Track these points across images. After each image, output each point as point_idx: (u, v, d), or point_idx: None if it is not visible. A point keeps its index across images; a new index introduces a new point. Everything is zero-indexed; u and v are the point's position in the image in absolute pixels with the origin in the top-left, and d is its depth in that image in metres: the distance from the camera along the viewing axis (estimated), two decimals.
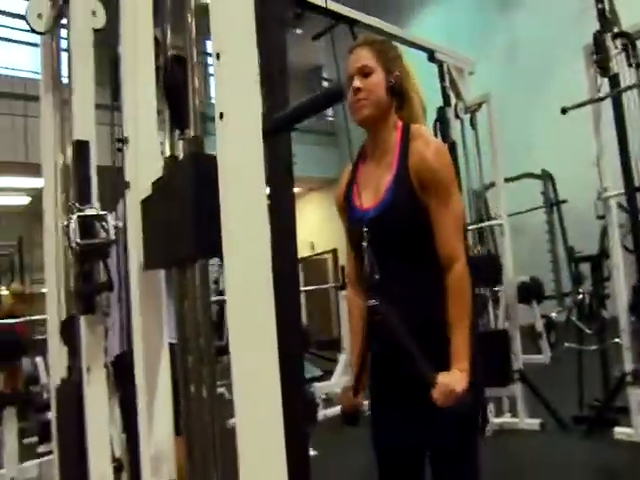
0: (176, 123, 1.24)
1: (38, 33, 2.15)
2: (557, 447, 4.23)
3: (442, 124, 4.98)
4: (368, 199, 1.74)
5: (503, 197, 5.20)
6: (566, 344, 5.27)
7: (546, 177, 10.01)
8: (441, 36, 9.12)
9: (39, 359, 6.66)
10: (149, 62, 1.30)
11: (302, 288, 10.92)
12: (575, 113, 4.37)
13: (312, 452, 4.41)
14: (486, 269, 5.01)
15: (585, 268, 5.01)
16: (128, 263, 1.33)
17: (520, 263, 6.23)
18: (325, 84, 16.05)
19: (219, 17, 0.92)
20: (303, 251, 14.81)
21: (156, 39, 1.33)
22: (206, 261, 1.16)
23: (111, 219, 1.60)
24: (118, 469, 2.04)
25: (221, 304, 6.48)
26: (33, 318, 6.02)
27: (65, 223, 1.63)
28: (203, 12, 0.96)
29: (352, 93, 1.74)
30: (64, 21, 2.08)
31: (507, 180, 6.70)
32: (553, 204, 10.01)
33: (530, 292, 7.46)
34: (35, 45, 2.84)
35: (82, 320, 1.70)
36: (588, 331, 4.83)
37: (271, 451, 0.87)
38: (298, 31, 7.37)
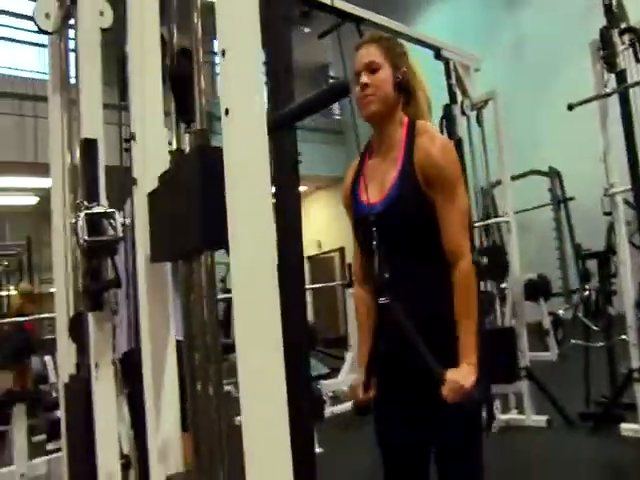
0: (182, 116, 1.25)
1: (46, 33, 2.16)
2: (564, 444, 4.22)
3: (448, 121, 4.98)
4: (374, 194, 1.74)
5: (510, 194, 5.19)
6: (572, 341, 5.26)
7: (553, 174, 9.98)
8: (447, 34, 9.11)
9: (48, 358, 6.70)
10: (156, 60, 1.31)
11: (309, 286, 10.96)
12: (582, 110, 4.36)
13: (318, 449, 4.43)
14: (491, 260, 5.02)
15: (592, 265, 4.99)
16: (136, 260, 1.35)
17: (528, 260, 6.23)
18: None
19: (225, 15, 0.93)
20: (310, 249, 14.87)
21: (163, 38, 1.35)
22: (212, 256, 1.17)
23: (119, 216, 1.61)
24: (126, 466, 2.06)
25: (228, 302, 6.50)
26: (42, 316, 6.06)
27: (73, 221, 1.65)
28: (210, 11, 0.97)
29: (360, 89, 1.75)
30: (72, 21, 2.09)
31: (514, 177, 6.69)
32: (560, 201, 9.98)
33: (537, 289, 7.46)
34: (43, 46, 2.85)
35: (90, 317, 1.72)
36: (595, 328, 4.82)
37: (277, 448, 0.88)
38: (306, 29, 7.37)
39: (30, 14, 2.13)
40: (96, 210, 1.61)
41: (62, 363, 2.23)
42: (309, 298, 13.28)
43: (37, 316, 6.10)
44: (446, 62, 5.02)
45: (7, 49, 11.67)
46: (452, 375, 1.58)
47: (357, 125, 1.79)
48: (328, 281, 12.26)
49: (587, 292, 5.03)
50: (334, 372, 6.37)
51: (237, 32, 0.93)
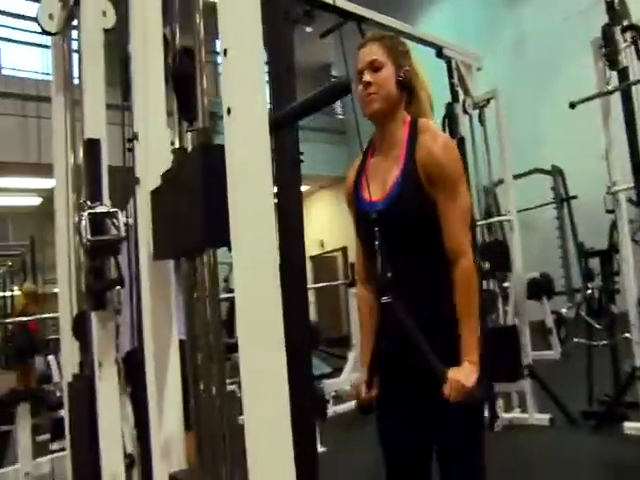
0: (184, 114, 1.26)
1: (49, 34, 2.17)
2: (566, 442, 4.22)
3: (450, 120, 4.98)
4: (375, 192, 1.75)
5: (512, 193, 5.19)
6: (575, 339, 5.26)
7: (556, 173, 9.97)
8: (449, 32, 9.09)
9: (51, 358, 6.72)
10: (158, 60, 1.32)
11: (312, 285, 10.96)
12: (584, 107, 4.35)
13: (321, 448, 4.44)
14: (493, 254, 5.02)
15: (595, 263, 4.98)
16: (139, 260, 1.35)
17: (530, 259, 6.22)
18: None
19: (226, 14, 0.94)
20: (313, 249, 14.88)
21: (165, 38, 1.36)
22: (214, 254, 1.18)
23: (121, 216, 1.62)
24: (130, 465, 2.06)
25: (231, 302, 6.51)
26: (45, 316, 6.07)
27: (76, 220, 1.66)
28: (212, 11, 0.97)
29: (362, 87, 1.76)
30: (75, 22, 2.10)
31: (516, 176, 6.68)
32: (563, 200, 9.97)
33: (540, 288, 7.46)
34: (47, 47, 2.87)
35: (93, 316, 1.73)
36: (598, 326, 4.81)
37: (279, 447, 0.89)
38: (308, 29, 7.36)
39: (33, 15, 2.14)
40: (99, 210, 1.62)
41: (66, 362, 2.24)
42: (312, 297, 13.29)
43: (41, 316, 6.11)
44: (448, 61, 5.02)
45: (10, 50, 11.71)
46: (454, 374, 1.58)
47: (359, 124, 1.80)
48: (331, 280, 12.26)
49: (590, 290, 5.02)
50: (337, 371, 6.38)
51: (239, 31, 0.93)
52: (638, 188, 4.10)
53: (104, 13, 1.90)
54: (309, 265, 15.04)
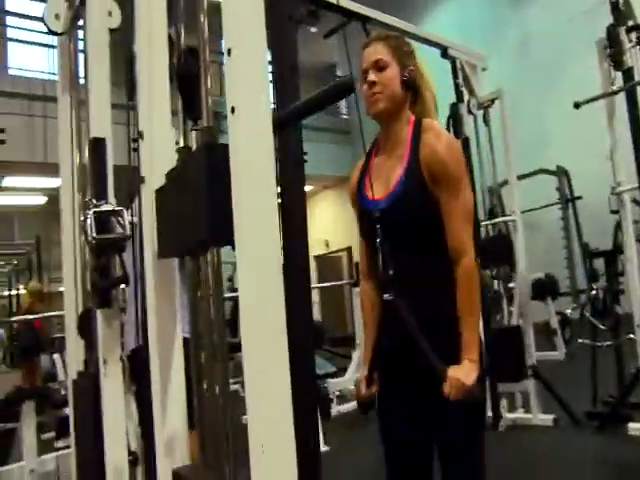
0: (189, 113, 1.27)
1: (55, 34, 2.19)
2: (570, 443, 4.22)
3: (455, 120, 4.98)
4: (379, 191, 1.75)
5: (516, 193, 5.19)
6: (580, 340, 5.25)
7: (561, 173, 9.95)
8: (454, 32, 9.08)
9: (57, 356, 6.74)
10: (163, 60, 1.33)
11: (317, 285, 10.97)
12: (589, 108, 4.35)
13: (324, 448, 4.45)
14: (497, 248, 5.02)
15: (600, 264, 4.98)
16: (143, 258, 1.36)
17: (535, 260, 6.22)
18: None
19: (231, 14, 0.95)
20: (318, 249, 14.89)
21: (170, 38, 1.37)
22: (219, 253, 1.19)
23: (127, 214, 1.63)
24: (133, 462, 2.07)
25: (236, 301, 6.53)
26: (51, 314, 6.09)
27: (82, 219, 1.67)
28: (217, 11, 0.98)
29: (367, 87, 1.77)
30: (81, 22, 2.12)
31: (521, 176, 6.68)
32: (568, 200, 9.95)
33: (545, 289, 7.46)
34: (53, 47, 2.88)
35: (99, 314, 1.74)
36: (602, 327, 4.80)
37: (282, 446, 0.89)
38: (313, 29, 7.37)
39: (40, 15, 2.16)
40: (104, 208, 1.63)
41: (71, 360, 2.26)
42: (316, 297, 13.30)
43: (46, 314, 6.13)
44: (453, 61, 5.02)
45: (17, 50, 11.76)
46: (454, 372, 1.59)
47: (362, 124, 1.80)
48: (335, 280, 12.28)
49: (594, 291, 5.02)
50: (341, 371, 6.39)
51: (243, 31, 0.94)
52: None
53: (110, 13, 1.91)
54: (314, 265, 15.04)
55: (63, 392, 5.11)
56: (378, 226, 1.73)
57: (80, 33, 2.20)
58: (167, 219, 1.24)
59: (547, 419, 4.61)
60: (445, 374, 1.59)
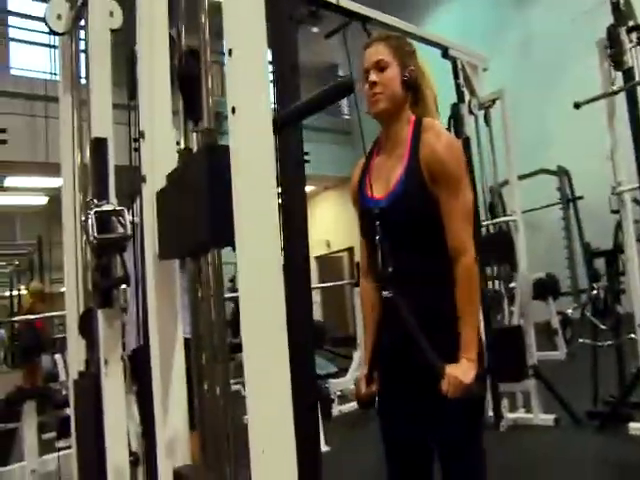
0: (190, 115, 1.27)
1: (57, 34, 2.19)
2: (571, 442, 4.22)
3: (456, 120, 4.98)
4: (379, 190, 1.76)
5: (517, 193, 5.19)
6: (580, 340, 5.25)
7: (562, 173, 9.95)
8: (456, 32, 9.10)
9: (58, 356, 6.74)
10: (164, 60, 1.33)
11: (318, 285, 10.96)
12: (590, 108, 4.35)
13: (326, 448, 4.45)
14: (497, 245, 5.03)
15: (600, 264, 4.98)
16: (145, 258, 1.37)
17: (536, 260, 6.22)
18: None
19: (231, 14, 0.95)
20: (319, 249, 14.90)
21: (172, 38, 1.37)
22: (219, 255, 1.19)
23: (128, 214, 1.64)
24: (134, 463, 2.08)
25: (237, 301, 6.53)
26: (52, 314, 6.10)
27: (83, 219, 1.68)
28: (219, 12, 0.99)
29: (368, 87, 1.77)
30: (82, 22, 2.12)
31: (523, 177, 6.67)
32: (569, 200, 9.95)
33: (546, 288, 7.47)
34: (54, 47, 2.88)
35: (100, 314, 1.74)
36: (602, 327, 4.81)
37: (282, 446, 0.90)
38: (314, 30, 7.38)
39: (41, 15, 2.16)
40: (106, 208, 1.63)
41: (72, 360, 2.26)
42: (318, 297, 13.31)
43: (47, 314, 6.14)
44: (454, 61, 5.02)
45: (19, 50, 11.77)
46: (451, 370, 1.59)
47: (362, 125, 1.81)
48: (337, 281, 12.28)
49: (595, 291, 5.02)
50: (342, 371, 6.39)
51: (243, 32, 0.95)
52: None
53: (111, 13, 1.92)
54: (315, 265, 15.06)
55: (64, 392, 5.12)
56: (378, 225, 1.73)
57: (82, 33, 2.21)
58: (168, 220, 1.24)
59: (548, 419, 4.61)
60: (443, 372, 1.59)
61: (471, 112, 5.09)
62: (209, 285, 1.19)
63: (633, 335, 4.15)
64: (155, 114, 1.31)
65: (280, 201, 2.61)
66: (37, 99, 9.32)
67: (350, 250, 14.41)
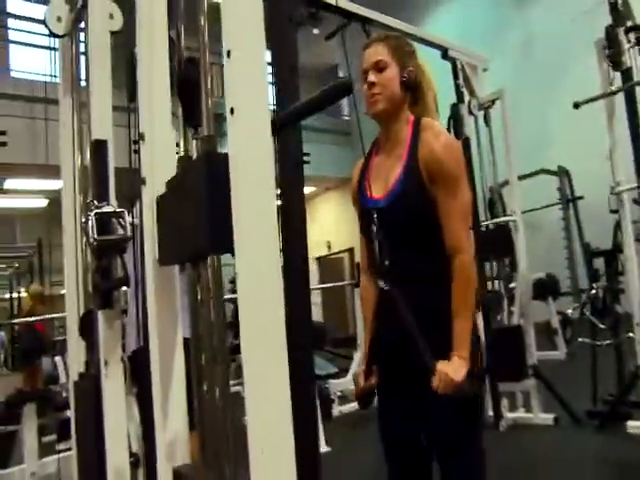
0: (189, 121, 1.28)
1: (57, 36, 2.19)
2: (571, 442, 4.22)
3: (455, 121, 4.99)
4: (378, 190, 1.77)
5: (517, 194, 5.19)
6: (580, 339, 5.26)
7: (562, 173, 9.96)
8: (456, 33, 9.11)
9: (58, 359, 6.75)
10: (164, 62, 1.34)
11: (319, 286, 10.96)
12: (590, 108, 4.35)
13: (327, 448, 4.46)
14: (496, 241, 5.04)
15: (600, 264, 4.98)
16: (144, 262, 1.37)
17: (536, 260, 6.21)
18: None
19: (230, 16, 0.96)
20: (320, 250, 14.90)
21: (171, 40, 1.37)
22: (219, 258, 1.20)
23: (128, 216, 1.64)
24: (135, 464, 2.08)
25: (237, 303, 6.53)
26: (52, 316, 6.10)
27: (83, 220, 1.68)
28: (219, 13, 0.99)
29: (367, 87, 1.78)
30: (82, 25, 2.12)
31: (523, 177, 6.68)
32: (569, 200, 9.96)
33: (546, 288, 7.47)
34: (54, 49, 2.89)
35: (100, 315, 1.74)
36: (602, 326, 4.81)
37: (281, 447, 0.90)
38: (315, 31, 7.38)
39: (41, 18, 2.17)
40: (106, 209, 1.64)
41: (72, 361, 2.26)
42: (318, 298, 13.31)
43: (47, 316, 6.14)
44: (453, 62, 5.03)
45: (19, 52, 11.78)
46: (442, 367, 1.60)
47: (362, 125, 1.82)
48: (337, 281, 12.28)
49: (594, 290, 5.02)
50: (342, 372, 6.39)
51: (242, 33, 0.95)
52: None
53: (111, 16, 1.92)
54: (316, 266, 15.07)
55: (64, 394, 5.12)
56: (377, 224, 1.74)
57: (82, 35, 2.21)
58: (168, 227, 1.24)
59: (548, 418, 4.62)
60: (434, 367, 1.60)
61: (471, 112, 5.10)
62: (208, 287, 1.20)
63: (632, 334, 4.15)
64: (155, 116, 1.31)
65: (279, 202, 2.61)
66: (37, 101, 9.32)
67: (351, 251, 14.41)
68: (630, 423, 4.09)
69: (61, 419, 4.83)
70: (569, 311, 7.76)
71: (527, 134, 9.04)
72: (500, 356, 4.44)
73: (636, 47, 4.10)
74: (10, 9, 11.78)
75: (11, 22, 11.85)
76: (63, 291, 2.40)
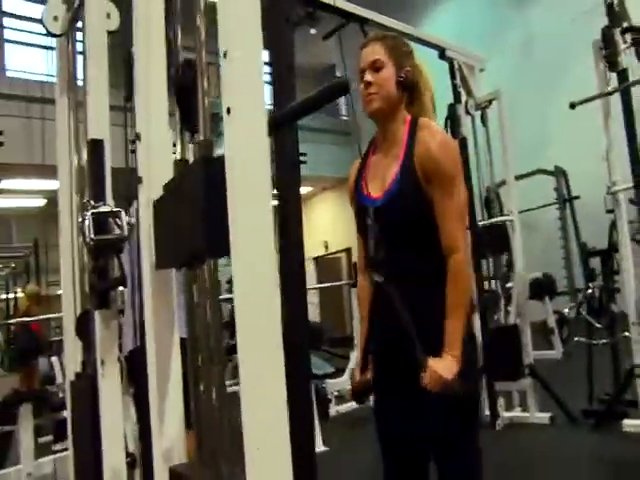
0: (186, 125, 1.28)
1: (54, 36, 2.19)
2: (567, 440, 4.24)
3: (453, 121, 4.99)
4: (375, 189, 1.77)
5: (514, 194, 5.21)
6: (576, 338, 5.27)
7: (559, 173, 9.97)
8: (454, 33, 9.10)
9: (55, 359, 6.73)
10: (161, 61, 1.34)
11: (316, 286, 10.95)
12: (588, 108, 4.36)
13: (324, 448, 4.46)
14: (492, 237, 5.05)
15: (596, 263, 5.00)
16: (141, 261, 1.37)
17: (533, 259, 6.22)
18: None
19: (226, 16, 0.96)
20: (317, 250, 14.90)
21: (168, 39, 1.37)
22: (215, 262, 1.20)
23: (124, 216, 1.64)
24: (131, 464, 2.08)
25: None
26: (48, 316, 6.08)
27: (80, 220, 1.68)
28: (215, 13, 0.99)
29: (363, 87, 1.78)
30: (79, 24, 2.12)
31: (520, 177, 6.68)
32: (566, 200, 9.97)
33: (542, 288, 7.48)
34: (51, 48, 2.88)
35: (97, 315, 1.74)
36: (598, 325, 4.83)
37: (276, 447, 0.90)
38: (312, 31, 7.38)
39: (38, 17, 2.16)
40: (102, 209, 1.64)
41: (68, 361, 2.25)
42: (315, 298, 13.30)
43: (43, 316, 6.12)
44: (450, 62, 5.03)
45: (15, 52, 11.75)
46: (433, 364, 1.60)
47: (364, 125, 1.82)
48: (335, 281, 12.28)
49: (590, 290, 5.04)
50: (339, 371, 6.40)
51: (239, 33, 0.95)
52: (637, 188, 4.11)
53: (108, 15, 1.92)
54: (313, 266, 15.07)
55: (61, 395, 5.11)
56: (374, 223, 1.75)
57: (78, 35, 2.21)
58: (165, 231, 1.24)
59: (544, 417, 4.63)
60: (426, 364, 1.60)
61: (468, 112, 5.10)
62: (205, 287, 1.20)
63: (627, 333, 4.17)
64: (151, 116, 1.31)
65: (275, 202, 2.61)
66: (33, 101, 9.32)
67: (348, 251, 14.42)
68: (626, 422, 4.10)
69: (57, 419, 4.82)
70: (565, 310, 7.77)
71: (526, 134, 9.05)
72: (497, 355, 4.45)
73: (632, 48, 4.11)
74: (6, 8, 11.75)
75: (7, 21, 11.82)
76: (60, 291, 2.39)
